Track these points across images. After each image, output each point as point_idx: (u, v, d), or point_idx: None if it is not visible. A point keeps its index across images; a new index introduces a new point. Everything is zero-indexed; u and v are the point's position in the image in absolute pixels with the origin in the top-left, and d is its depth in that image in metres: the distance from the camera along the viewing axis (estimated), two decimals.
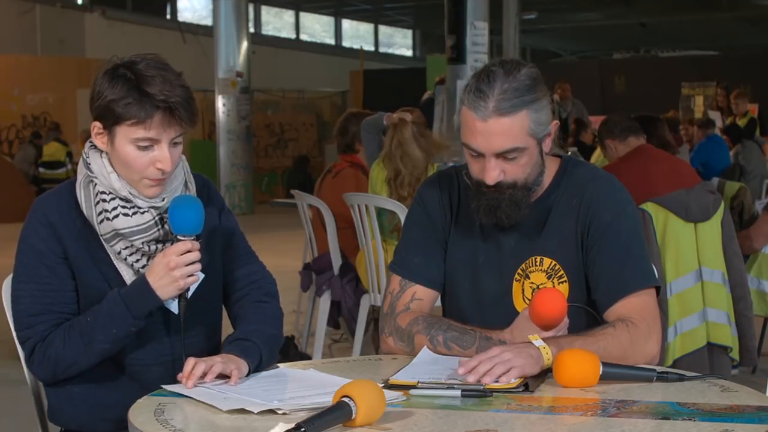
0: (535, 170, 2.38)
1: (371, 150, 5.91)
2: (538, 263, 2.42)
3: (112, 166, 2.30)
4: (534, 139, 2.33)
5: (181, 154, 2.34)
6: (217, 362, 2.13)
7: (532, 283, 2.42)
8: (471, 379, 2.04)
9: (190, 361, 2.12)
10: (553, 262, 2.41)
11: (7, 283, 2.47)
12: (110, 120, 2.25)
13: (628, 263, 2.37)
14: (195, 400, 2.01)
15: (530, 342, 2.12)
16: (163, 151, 2.25)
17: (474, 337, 2.30)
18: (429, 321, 2.38)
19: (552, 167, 2.47)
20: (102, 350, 2.28)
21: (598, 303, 2.39)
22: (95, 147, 2.34)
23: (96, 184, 2.31)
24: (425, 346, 2.33)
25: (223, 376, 2.13)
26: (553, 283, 2.40)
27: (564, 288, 2.40)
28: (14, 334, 2.44)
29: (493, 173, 2.31)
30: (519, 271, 2.43)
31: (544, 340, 2.14)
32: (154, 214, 2.29)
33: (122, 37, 23.50)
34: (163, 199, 2.30)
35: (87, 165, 2.33)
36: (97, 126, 2.29)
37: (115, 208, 2.28)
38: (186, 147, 2.42)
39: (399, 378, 2.10)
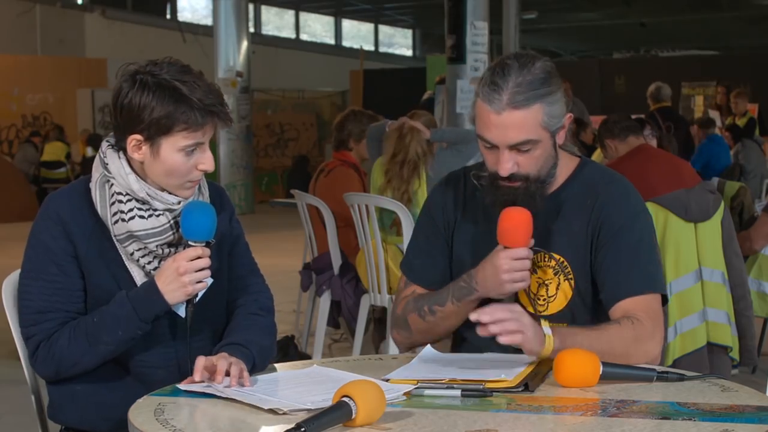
0: (548, 163, 2.40)
1: (373, 155, 5.93)
2: (546, 259, 2.42)
3: (132, 167, 2.29)
4: (547, 132, 2.35)
5: None
6: (235, 363, 2.12)
7: (539, 278, 2.43)
8: (485, 318, 2.09)
9: (222, 362, 2.10)
10: (562, 259, 2.42)
11: (8, 282, 2.47)
12: (160, 132, 2.22)
13: (635, 265, 2.38)
14: (194, 399, 2.02)
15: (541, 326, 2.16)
16: (206, 152, 2.27)
17: (447, 290, 2.42)
18: (415, 299, 2.49)
19: (570, 165, 2.49)
20: (106, 351, 2.28)
21: (604, 302, 2.40)
22: (113, 147, 2.31)
23: (112, 185, 2.29)
24: (428, 345, 2.38)
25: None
26: (560, 279, 2.42)
27: (570, 285, 2.41)
28: (13, 331, 2.44)
29: (507, 165, 2.34)
30: None
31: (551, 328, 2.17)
32: (170, 217, 2.29)
33: (122, 37, 23.49)
34: (179, 203, 2.29)
35: (105, 165, 2.31)
36: (136, 139, 2.24)
37: (131, 210, 2.27)
38: None
39: (397, 377, 2.10)
